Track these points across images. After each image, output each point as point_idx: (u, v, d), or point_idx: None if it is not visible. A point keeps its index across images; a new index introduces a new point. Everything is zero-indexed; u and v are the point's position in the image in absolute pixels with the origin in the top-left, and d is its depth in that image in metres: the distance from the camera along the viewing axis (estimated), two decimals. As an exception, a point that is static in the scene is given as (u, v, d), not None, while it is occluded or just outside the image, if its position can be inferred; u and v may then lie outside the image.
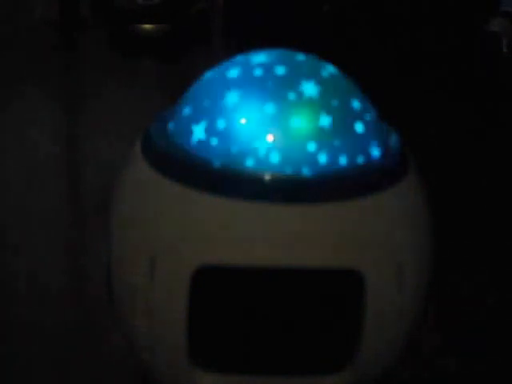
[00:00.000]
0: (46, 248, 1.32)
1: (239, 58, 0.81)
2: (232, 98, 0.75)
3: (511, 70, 2.31)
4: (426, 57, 2.47)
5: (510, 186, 1.65)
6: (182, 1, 2.84)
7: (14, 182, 1.58)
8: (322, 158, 0.73)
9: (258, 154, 0.73)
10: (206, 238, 0.72)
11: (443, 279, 1.22)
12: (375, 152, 0.77)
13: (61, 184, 1.64)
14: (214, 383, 0.79)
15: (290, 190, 0.71)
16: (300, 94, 0.75)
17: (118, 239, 0.79)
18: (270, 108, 0.74)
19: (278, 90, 0.75)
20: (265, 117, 0.73)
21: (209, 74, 0.82)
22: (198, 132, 0.75)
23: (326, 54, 0.90)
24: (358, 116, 0.77)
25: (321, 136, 0.74)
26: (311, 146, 0.73)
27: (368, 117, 0.78)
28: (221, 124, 0.74)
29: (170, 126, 0.80)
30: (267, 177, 0.71)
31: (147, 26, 2.76)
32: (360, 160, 0.75)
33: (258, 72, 0.77)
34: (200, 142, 0.75)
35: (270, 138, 0.73)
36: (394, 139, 0.82)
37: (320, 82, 0.76)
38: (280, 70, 0.77)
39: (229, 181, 0.72)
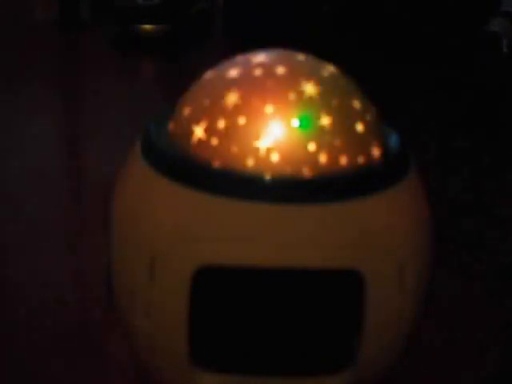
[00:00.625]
0: (46, 248, 1.32)
1: (239, 57, 0.81)
2: (232, 97, 0.75)
3: (511, 70, 2.31)
4: (426, 57, 2.47)
5: (510, 186, 1.65)
6: (182, 1, 2.84)
7: (14, 182, 1.58)
8: (323, 158, 0.73)
9: (258, 154, 0.73)
10: (206, 238, 0.72)
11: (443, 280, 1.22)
12: (375, 152, 0.77)
13: (61, 184, 1.64)
14: (214, 383, 0.79)
15: (290, 189, 0.71)
16: (300, 94, 0.75)
17: (118, 239, 0.79)
18: (269, 108, 0.74)
19: (277, 89, 0.75)
20: (265, 117, 0.73)
21: (209, 74, 0.82)
22: (198, 132, 0.75)
23: (326, 53, 0.90)
24: (358, 116, 0.77)
25: (321, 136, 0.73)
26: (311, 146, 0.73)
27: (368, 117, 0.78)
28: (221, 124, 0.74)
29: (170, 126, 0.80)
30: (267, 177, 0.71)
31: (147, 26, 2.76)
32: (360, 160, 0.75)
33: (258, 72, 0.77)
34: (200, 141, 0.75)
35: (270, 137, 0.73)
36: (394, 139, 0.82)
37: (320, 81, 0.76)
38: (280, 70, 0.77)
39: (229, 181, 0.72)
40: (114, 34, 2.82)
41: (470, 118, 2.07)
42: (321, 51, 0.91)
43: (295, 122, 0.73)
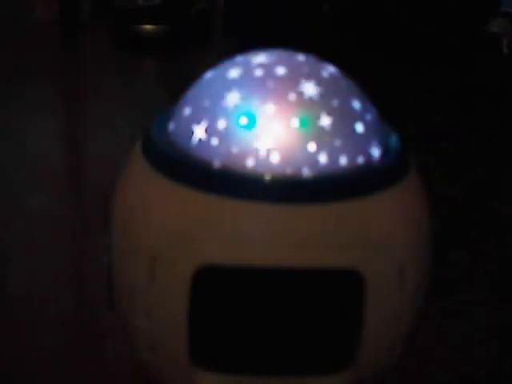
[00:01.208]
0: (46, 248, 1.32)
1: (239, 58, 0.81)
2: (232, 98, 0.75)
3: (511, 70, 2.31)
4: (426, 57, 2.47)
5: (510, 187, 1.65)
6: (183, 1, 2.84)
7: (14, 182, 1.58)
8: (322, 159, 0.73)
9: (259, 154, 0.73)
10: (207, 238, 0.72)
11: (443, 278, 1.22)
12: (375, 152, 0.77)
13: (61, 184, 1.64)
14: (214, 383, 0.79)
15: (290, 190, 0.71)
16: (300, 95, 0.75)
17: (118, 239, 0.79)
18: (270, 108, 0.74)
19: (278, 90, 0.75)
20: (265, 117, 0.73)
21: (209, 74, 0.82)
22: (198, 132, 0.75)
23: (326, 53, 0.90)
24: (359, 116, 0.77)
25: (321, 136, 0.73)
26: (311, 147, 0.73)
27: (368, 117, 0.78)
28: (221, 124, 0.74)
29: (171, 126, 0.80)
30: (267, 177, 0.71)
31: (147, 27, 2.76)
32: (360, 160, 0.75)
33: (259, 72, 0.77)
34: (200, 142, 0.75)
35: (270, 138, 0.73)
36: (393, 139, 0.82)
37: (320, 82, 0.76)
38: (280, 71, 0.77)
39: (229, 181, 0.72)
40: (114, 34, 2.82)
41: (470, 117, 2.07)
42: (321, 51, 0.91)
43: (295, 123, 0.73)
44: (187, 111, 0.78)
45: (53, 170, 1.67)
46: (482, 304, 1.18)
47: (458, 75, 2.36)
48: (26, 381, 0.99)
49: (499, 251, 1.34)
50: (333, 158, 0.73)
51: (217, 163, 0.73)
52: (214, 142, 0.74)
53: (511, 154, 1.85)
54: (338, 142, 0.74)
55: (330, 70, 0.80)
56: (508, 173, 1.73)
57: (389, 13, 2.58)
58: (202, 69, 0.84)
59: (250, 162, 0.72)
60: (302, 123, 0.73)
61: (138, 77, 2.47)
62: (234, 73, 0.78)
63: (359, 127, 0.76)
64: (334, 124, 0.74)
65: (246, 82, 0.76)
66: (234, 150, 0.73)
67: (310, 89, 0.75)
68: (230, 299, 0.77)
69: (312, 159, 0.73)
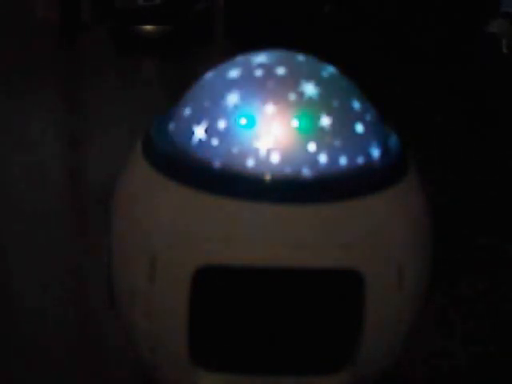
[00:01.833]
0: (46, 248, 1.32)
1: (239, 58, 0.81)
2: (232, 98, 0.75)
3: (511, 70, 2.31)
4: (427, 57, 2.47)
5: (510, 186, 1.65)
6: (183, 2, 2.84)
7: (14, 182, 1.58)
8: (322, 159, 0.73)
9: (259, 154, 0.73)
10: (207, 238, 0.72)
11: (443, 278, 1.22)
12: (375, 152, 0.77)
13: (61, 184, 1.64)
14: (214, 383, 0.79)
15: (290, 190, 0.71)
16: (300, 95, 0.75)
17: (119, 239, 0.79)
18: (270, 108, 0.74)
19: (278, 90, 0.75)
20: (265, 117, 0.74)
21: (209, 75, 0.82)
22: (199, 132, 0.76)
23: (326, 54, 0.90)
24: (358, 116, 0.77)
25: (321, 136, 0.74)
26: (311, 147, 0.73)
27: (368, 117, 0.78)
28: (221, 124, 0.74)
29: (171, 126, 0.81)
30: (267, 177, 0.71)
31: (148, 27, 2.76)
32: (360, 160, 0.75)
33: (259, 72, 0.77)
34: (201, 142, 0.75)
35: (270, 138, 0.73)
36: (393, 139, 0.82)
37: (320, 82, 0.76)
38: (280, 71, 0.77)
39: (229, 181, 0.72)
40: (114, 35, 2.82)
41: (470, 118, 2.07)
42: (321, 51, 0.91)
43: (295, 123, 0.73)
44: (187, 111, 0.78)
45: (53, 170, 1.68)
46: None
47: (458, 75, 2.36)
48: (26, 381, 0.99)
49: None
50: (333, 158, 0.73)
51: (217, 163, 0.73)
52: (214, 142, 0.74)
53: (510, 152, 1.85)
54: (337, 143, 0.74)
55: (329, 69, 0.80)
56: (509, 172, 1.73)
57: (389, 14, 2.58)
58: (203, 69, 0.84)
59: (250, 162, 0.73)
60: (302, 123, 0.73)
61: (138, 77, 2.47)
62: (234, 73, 0.78)
63: (359, 127, 0.76)
64: (333, 124, 0.74)
65: (246, 83, 0.76)
66: (234, 150, 0.73)
67: (309, 89, 0.75)
68: (230, 299, 0.77)
69: (312, 159, 0.73)
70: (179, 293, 0.74)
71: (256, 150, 0.73)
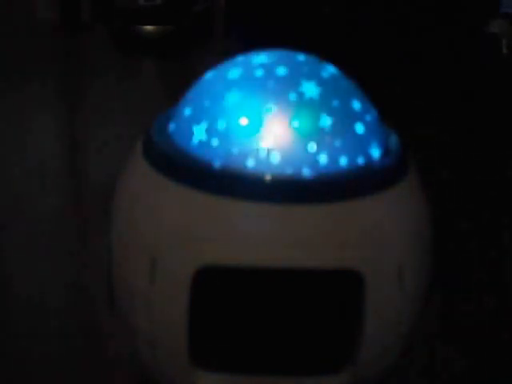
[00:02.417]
0: (46, 248, 1.32)
1: (240, 58, 0.81)
2: (233, 98, 0.75)
3: (511, 70, 2.31)
4: (426, 58, 2.47)
5: (510, 186, 1.65)
6: (184, 2, 2.84)
7: (14, 183, 1.58)
8: (323, 159, 0.73)
9: (259, 154, 0.73)
10: (207, 238, 0.72)
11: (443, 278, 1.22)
12: (375, 153, 0.77)
13: (61, 184, 1.65)
14: (214, 383, 0.79)
15: (290, 190, 0.71)
16: (301, 95, 0.75)
17: (119, 239, 0.79)
18: (270, 109, 0.74)
19: (278, 90, 0.75)
20: (265, 117, 0.74)
21: (209, 75, 0.82)
22: (199, 133, 0.76)
23: (326, 54, 0.90)
24: (359, 117, 0.77)
25: (321, 137, 0.74)
26: (311, 147, 0.73)
27: (368, 117, 0.78)
28: (221, 125, 0.74)
29: (171, 126, 0.81)
30: (268, 177, 0.71)
31: (148, 27, 2.76)
32: (360, 161, 0.75)
33: (259, 72, 0.77)
34: (201, 142, 0.75)
35: (270, 138, 0.73)
36: (393, 139, 0.82)
37: (321, 82, 0.76)
38: (281, 71, 0.77)
39: (229, 181, 0.72)
40: (114, 35, 2.82)
41: (470, 118, 2.07)
42: (321, 51, 0.91)
43: (295, 123, 0.73)
44: (187, 111, 0.78)
45: (53, 170, 1.68)
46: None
47: (458, 75, 2.36)
48: (27, 381, 0.99)
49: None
50: (333, 158, 0.73)
51: (217, 163, 0.73)
52: (215, 142, 0.74)
53: (510, 150, 1.85)
54: (338, 143, 0.74)
55: (330, 70, 0.80)
56: (508, 172, 1.73)
57: (389, 15, 2.58)
58: (203, 69, 0.84)
59: (250, 163, 0.73)
60: (303, 124, 0.73)
61: (138, 77, 2.47)
62: (234, 73, 0.78)
63: (359, 128, 0.76)
64: (334, 124, 0.74)
65: (247, 83, 0.76)
66: (234, 150, 0.73)
67: (310, 89, 0.75)
68: (229, 299, 0.77)
69: (312, 159, 0.73)
70: (179, 293, 0.74)
71: (256, 150, 0.73)
